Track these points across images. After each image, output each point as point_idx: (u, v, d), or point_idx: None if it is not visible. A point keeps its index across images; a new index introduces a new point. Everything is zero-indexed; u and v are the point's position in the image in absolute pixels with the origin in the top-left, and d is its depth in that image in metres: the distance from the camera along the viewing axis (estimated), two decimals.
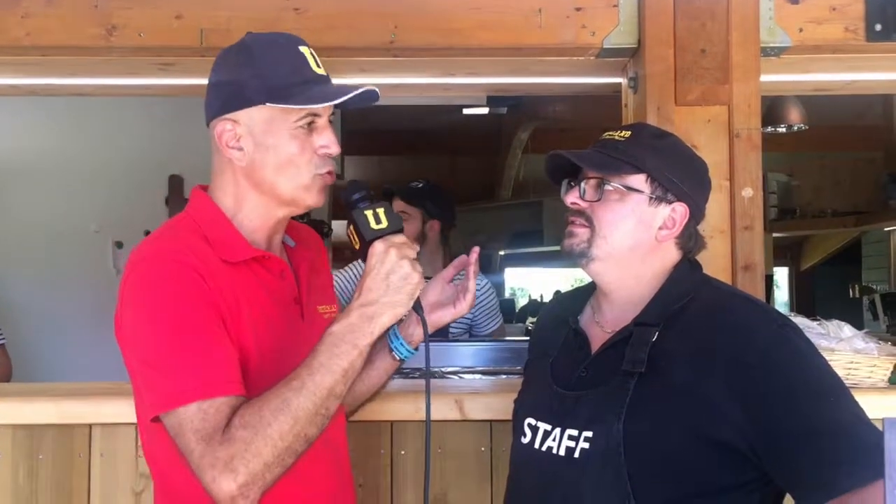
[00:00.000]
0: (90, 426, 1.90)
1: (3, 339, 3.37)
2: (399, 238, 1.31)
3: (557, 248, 1.46)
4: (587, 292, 1.53)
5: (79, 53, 2.38)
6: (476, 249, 1.54)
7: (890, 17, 2.30)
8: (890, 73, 2.68)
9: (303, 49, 1.38)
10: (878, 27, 2.30)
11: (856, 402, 1.24)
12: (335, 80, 1.40)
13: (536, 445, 1.38)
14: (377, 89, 1.38)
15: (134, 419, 1.80)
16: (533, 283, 11.82)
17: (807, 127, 5.71)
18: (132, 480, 1.89)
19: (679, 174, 1.41)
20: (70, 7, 2.30)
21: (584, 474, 1.29)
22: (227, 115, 1.36)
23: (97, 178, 4.85)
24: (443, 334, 2.86)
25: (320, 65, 1.39)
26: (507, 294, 10.48)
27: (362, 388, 1.59)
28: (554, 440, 1.35)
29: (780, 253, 8.97)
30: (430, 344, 1.40)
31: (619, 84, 2.58)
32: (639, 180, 1.39)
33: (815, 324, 1.96)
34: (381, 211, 1.33)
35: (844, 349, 1.90)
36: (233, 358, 1.27)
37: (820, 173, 7.39)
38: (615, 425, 1.28)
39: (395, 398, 1.85)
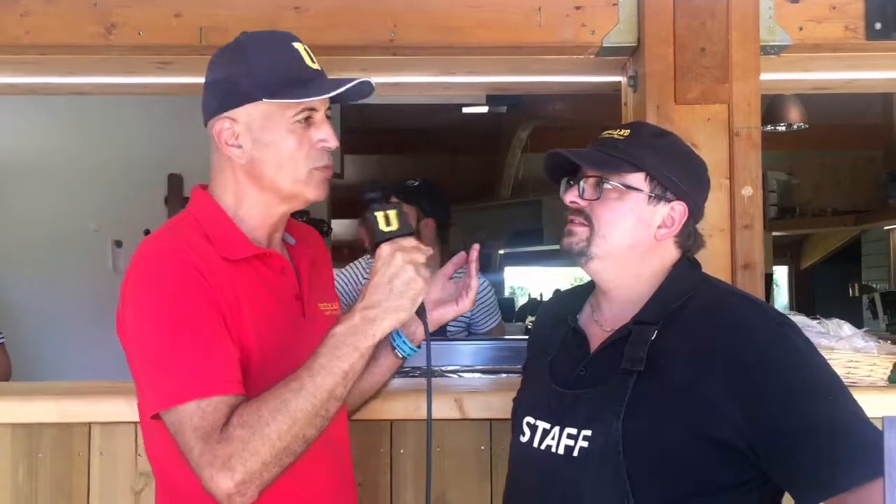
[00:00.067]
0: (89, 425, 1.90)
1: (3, 338, 3.37)
2: (408, 242, 1.30)
3: (557, 246, 1.46)
4: (586, 291, 1.53)
5: (78, 52, 2.37)
6: (476, 247, 1.54)
7: (890, 16, 2.30)
8: (890, 72, 2.68)
9: (296, 45, 1.39)
10: (878, 26, 2.30)
11: (854, 401, 1.24)
12: (334, 77, 1.41)
13: (535, 444, 1.38)
14: (371, 81, 1.38)
15: (133, 418, 1.80)
16: (532, 281, 11.82)
17: (807, 126, 5.71)
18: (132, 479, 1.89)
19: (678, 173, 1.41)
20: (69, 6, 2.30)
21: (583, 473, 1.29)
22: (225, 114, 1.37)
23: (96, 177, 4.85)
24: (441, 333, 2.86)
25: (314, 60, 1.40)
26: (506, 293, 10.49)
27: (365, 386, 1.60)
28: (553, 439, 1.35)
29: (780, 252, 8.97)
30: (431, 343, 1.40)
31: (619, 83, 2.58)
32: (638, 179, 1.39)
33: (814, 322, 1.96)
34: (392, 213, 1.32)
35: (844, 348, 1.90)
36: (233, 356, 1.28)
37: (820, 172, 7.39)
38: (614, 424, 1.28)
39: (394, 397, 1.85)
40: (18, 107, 4.62)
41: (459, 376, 2.58)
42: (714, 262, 2.21)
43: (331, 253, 1.67)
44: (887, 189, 6.52)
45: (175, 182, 4.94)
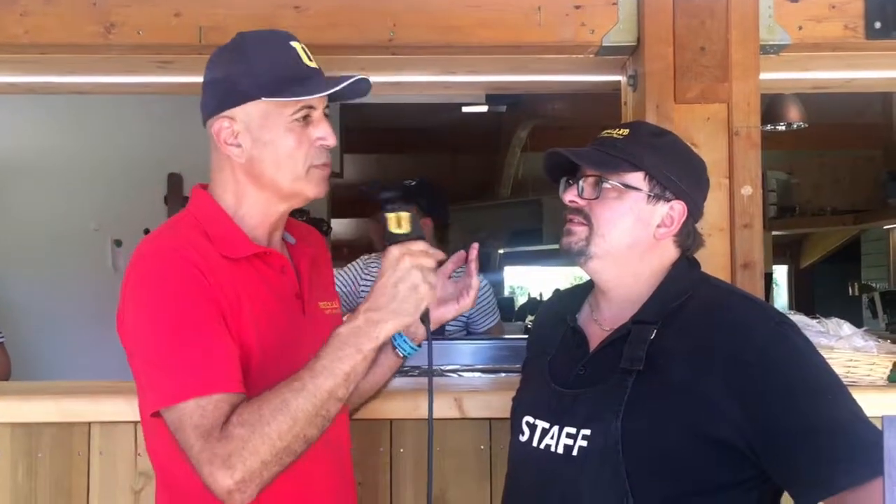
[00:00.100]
0: (89, 424, 1.90)
1: (3, 337, 3.37)
2: (418, 245, 1.28)
3: (557, 246, 1.46)
4: (585, 290, 1.53)
5: (77, 51, 2.37)
6: (475, 246, 1.54)
7: (889, 15, 2.30)
8: (889, 71, 2.68)
9: (293, 44, 1.39)
10: (878, 25, 2.30)
11: (853, 400, 1.24)
12: (331, 76, 1.41)
13: (535, 443, 1.38)
14: (369, 79, 1.38)
15: (133, 417, 1.81)
16: (532, 281, 11.82)
17: (806, 125, 5.71)
18: (131, 479, 1.89)
19: (677, 172, 1.41)
20: (68, 5, 2.30)
21: (583, 472, 1.29)
22: (224, 113, 1.37)
23: (96, 177, 4.85)
24: (439, 332, 2.87)
25: (312, 58, 1.40)
26: (506, 292, 10.48)
27: (366, 385, 1.60)
28: (552, 438, 1.35)
29: (780, 251, 8.97)
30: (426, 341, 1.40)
31: (619, 82, 2.58)
32: (637, 178, 1.39)
33: (814, 322, 1.96)
34: (405, 216, 1.30)
35: (844, 347, 1.90)
36: (232, 355, 1.28)
37: (819, 171, 7.39)
38: (613, 423, 1.28)
39: (394, 396, 1.85)
40: (18, 106, 4.63)
41: (459, 375, 2.58)
42: (714, 261, 2.21)
43: (330, 252, 1.67)
44: (887, 188, 6.52)
45: (175, 181, 4.95)
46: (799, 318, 1.93)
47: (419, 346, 1.56)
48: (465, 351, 2.89)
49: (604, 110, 2.99)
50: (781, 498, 1.33)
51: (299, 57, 1.38)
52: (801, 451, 1.19)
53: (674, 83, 2.29)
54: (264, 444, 1.19)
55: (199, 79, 1.43)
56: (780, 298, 9.56)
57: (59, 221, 4.83)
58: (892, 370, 1.94)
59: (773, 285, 8.71)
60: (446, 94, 3.76)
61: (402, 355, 1.57)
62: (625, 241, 1.39)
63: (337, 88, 1.35)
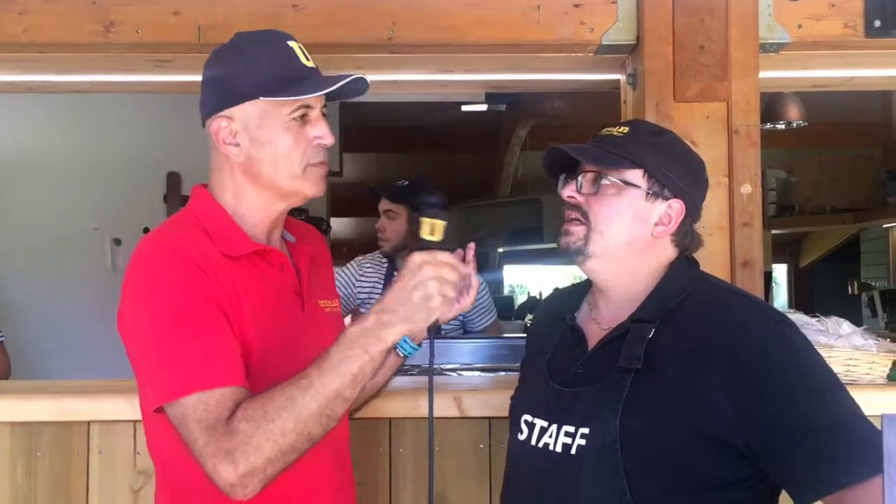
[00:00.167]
0: (88, 423, 1.90)
1: (2, 336, 3.37)
2: (444, 256, 1.25)
3: (556, 245, 1.46)
4: (584, 289, 1.53)
5: (76, 50, 2.37)
6: (471, 245, 1.54)
7: (889, 14, 2.30)
8: (889, 70, 2.68)
9: (291, 43, 1.39)
10: (878, 23, 2.30)
11: (851, 399, 1.24)
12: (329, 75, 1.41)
13: (533, 442, 1.38)
14: (366, 78, 1.39)
15: (132, 416, 1.81)
16: (532, 280, 11.82)
17: (805, 124, 5.72)
18: (130, 478, 1.89)
19: (676, 171, 1.41)
20: (67, 4, 2.29)
21: (581, 471, 1.29)
22: (222, 113, 1.38)
23: (95, 176, 4.85)
24: (437, 331, 2.87)
25: (309, 58, 1.41)
26: (506, 291, 10.48)
27: (368, 384, 1.60)
28: (550, 437, 1.35)
29: (779, 250, 8.97)
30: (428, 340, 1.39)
31: (618, 81, 2.58)
32: (636, 175, 1.39)
33: (813, 320, 1.96)
34: (439, 224, 1.28)
35: (843, 346, 1.90)
36: (234, 349, 1.28)
37: (819, 170, 7.39)
38: (611, 422, 1.28)
39: (393, 395, 1.85)
40: (17, 105, 4.62)
41: (459, 374, 2.58)
42: (713, 260, 2.21)
43: (329, 251, 1.67)
44: (886, 187, 6.52)
45: (174, 180, 4.95)
46: (798, 317, 1.93)
47: (419, 345, 1.56)
48: (465, 350, 2.89)
49: (603, 109, 3.00)
50: (779, 496, 1.33)
51: (297, 57, 1.38)
52: (799, 449, 1.19)
53: (673, 82, 2.29)
54: (268, 440, 1.19)
55: (198, 78, 1.43)
56: (780, 297, 9.57)
57: (58, 220, 4.83)
58: (891, 369, 1.94)
59: (773, 284, 8.71)
60: (445, 92, 3.76)
61: (402, 355, 1.57)
62: (623, 239, 1.39)
63: (333, 88, 1.35)
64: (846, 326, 1.96)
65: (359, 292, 3.25)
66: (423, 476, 1.92)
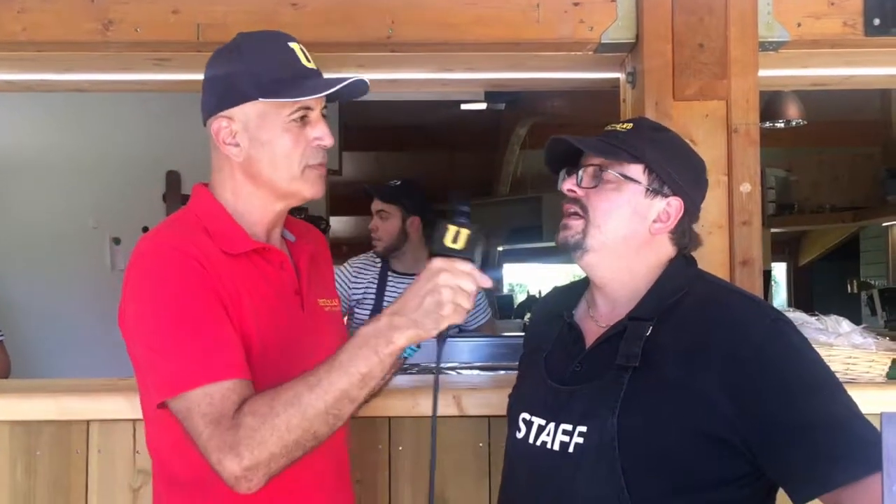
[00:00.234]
0: (88, 422, 1.90)
1: (2, 335, 3.37)
2: (464, 266, 1.23)
3: (555, 242, 1.46)
4: (582, 287, 1.54)
5: (75, 49, 2.37)
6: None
7: (888, 12, 2.30)
8: (888, 68, 2.68)
9: (292, 45, 1.40)
10: (877, 22, 2.30)
11: (849, 397, 1.24)
12: (329, 75, 1.42)
13: (531, 440, 1.38)
14: (366, 80, 1.39)
15: (131, 415, 1.81)
16: (532, 278, 11.82)
17: (805, 122, 5.71)
18: (130, 477, 1.89)
19: (677, 169, 1.41)
20: (66, 2, 2.29)
21: (579, 469, 1.29)
22: (223, 113, 1.38)
23: (94, 175, 4.84)
24: (444, 338, 2.87)
25: (310, 59, 1.41)
26: (505, 290, 10.47)
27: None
28: (548, 435, 1.35)
29: (779, 248, 8.97)
30: (430, 340, 1.38)
31: (618, 79, 2.58)
32: (636, 170, 1.39)
33: (813, 319, 1.96)
34: (464, 232, 1.25)
35: (843, 344, 1.90)
36: (236, 343, 1.29)
37: (818, 169, 7.39)
38: (609, 420, 1.28)
39: (393, 394, 1.85)
40: (16, 104, 4.62)
41: (458, 373, 2.58)
42: (712, 258, 2.21)
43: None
44: (885, 185, 6.52)
45: (173, 179, 4.94)
46: (798, 316, 1.93)
47: (418, 346, 1.56)
48: (464, 349, 2.89)
49: (603, 107, 2.99)
50: (776, 493, 1.33)
51: (298, 58, 1.39)
52: (797, 447, 1.19)
53: (672, 80, 2.29)
54: (273, 435, 1.19)
55: (198, 76, 1.43)
56: (779, 296, 9.57)
57: (57, 219, 4.82)
58: (890, 367, 1.94)
59: (772, 283, 8.72)
60: (445, 91, 3.76)
61: (403, 355, 1.57)
62: (620, 233, 1.39)
63: (333, 90, 1.36)
64: (845, 325, 1.97)
65: (353, 294, 3.26)
66: (422, 474, 1.92)
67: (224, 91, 1.38)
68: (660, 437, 1.26)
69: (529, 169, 8.67)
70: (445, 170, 8.96)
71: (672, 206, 1.41)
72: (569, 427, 1.33)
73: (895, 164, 6.64)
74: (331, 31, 2.30)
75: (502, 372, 2.55)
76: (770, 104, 5.51)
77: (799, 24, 2.32)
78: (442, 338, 1.26)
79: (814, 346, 1.33)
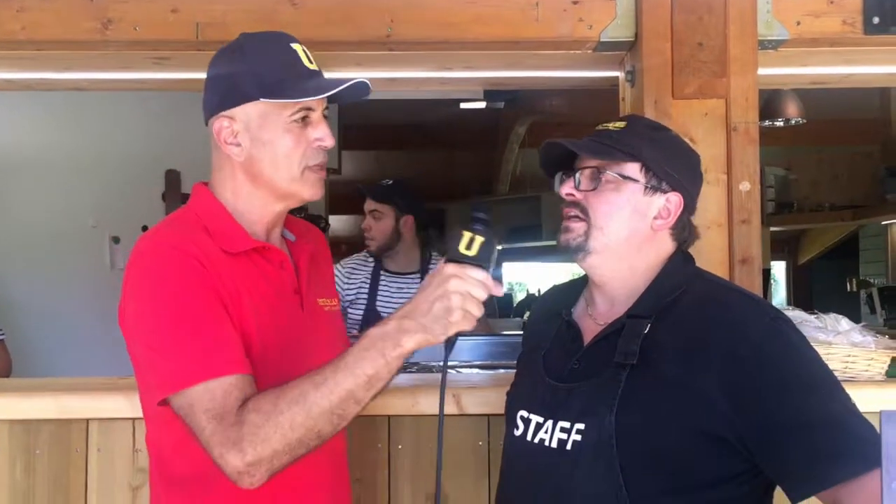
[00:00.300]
0: (87, 421, 1.90)
1: (3, 334, 3.37)
2: (476, 273, 1.21)
3: (555, 242, 1.46)
4: (581, 285, 1.54)
5: (74, 48, 2.37)
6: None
7: (888, 10, 2.30)
8: (887, 67, 2.68)
9: (294, 46, 1.40)
10: (876, 20, 2.30)
11: (847, 395, 1.24)
12: (330, 75, 1.42)
13: (529, 437, 1.38)
14: (368, 82, 1.39)
15: (131, 414, 1.81)
16: (531, 277, 11.83)
17: (804, 121, 5.71)
18: (129, 475, 1.89)
19: (674, 165, 1.41)
20: (65, 1, 2.29)
21: (576, 466, 1.30)
22: (224, 112, 1.39)
23: (94, 174, 4.84)
24: (452, 344, 2.87)
25: (312, 61, 1.42)
26: (504, 289, 10.47)
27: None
28: (546, 432, 1.35)
29: (778, 247, 8.98)
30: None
31: (617, 78, 2.57)
32: (633, 169, 1.39)
33: (812, 317, 1.96)
34: (478, 239, 1.24)
35: (842, 342, 1.90)
36: (237, 340, 1.29)
37: (817, 167, 7.39)
38: (607, 417, 1.28)
39: (392, 393, 1.85)
40: (15, 103, 4.61)
41: (458, 372, 2.59)
42: (712, 256, 2.21)
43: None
44: (885, 184, 6.53)
45: (173, 178, 4.93)
46: (797, 314, 1.93)
47: None
48: (464, 347, 2.89)
49: (602, 106, 2.99)
50: (773, 492, 1.33)
51: (300, 59, 1.39)
52: (795, 445, 1.19)
53: (672, 79, 2.29)
54: (276, 432, 1.20)
55: (197, 75, 1.44)
56: (779, 294, 9.58)
57: (57, 218, 4.82)
58: (889, 365, 1.94)
59: (772, 281, 8.72)
60: (444, 90, 3.75)
61: None
62: (622, 234, 1.39)
63: (334, 91, 1.36)
64: (845, 323, 1.97)
65: (346, 294, 3.26)
66: (421, 473, 1.92)
67: (226, 91, 1.38)
68: (658, 434, 1.26)
69: (529, 168, 8.67)
70: (445, 169, 8.95)
71: (672, 202, 1.41)
72: (567, 424, 1.33)
73: (894, 162, 6.64)
74: (330, 30, 2.30)
75: (502, 371, 2.55)
76: (769, 103, 5.51)
77: (798, 23, 2.32)
78: (450, 343, 1.25)
79: (813, 344, 1.33)
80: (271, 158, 1.38)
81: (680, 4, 2.28)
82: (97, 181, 4.84)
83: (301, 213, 4.32)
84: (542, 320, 1.57)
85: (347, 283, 3.26)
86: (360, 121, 6.63)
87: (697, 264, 1.48)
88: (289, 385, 1.23)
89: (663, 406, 1.27)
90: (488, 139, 8.84)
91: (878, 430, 0.85)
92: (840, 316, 1.99)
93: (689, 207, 1.44)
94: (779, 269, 9.81)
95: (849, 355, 1.90)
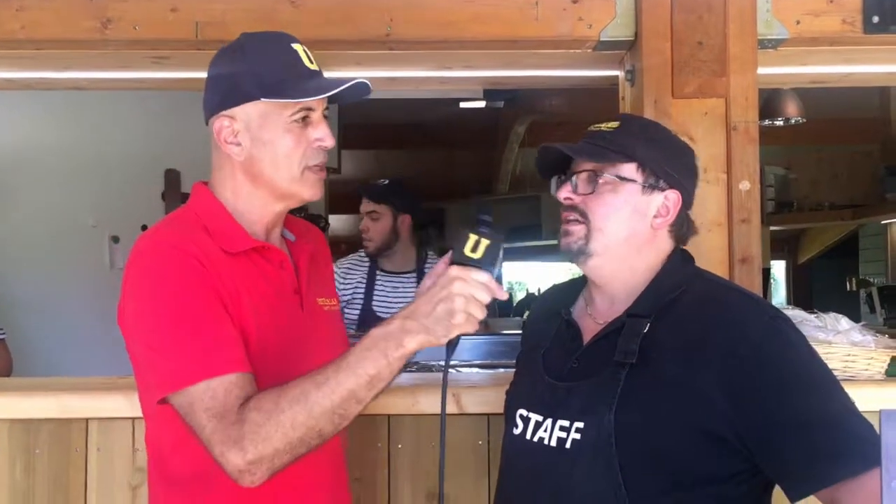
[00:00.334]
0: (87, 421, 1.90)
1: (3, 333, 3.38)
2: (480, 276, 1.22)
3: (555, 241, 1.46)
4: (580, 284, 1.54)
5: (74, 47, 2.37)
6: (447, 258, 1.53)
7: (887, 9, 2.30)
8: (887, 66, 2.68)
9: (295, 46, 1.40)
10: (876, 19, 2.30)
11: (846, 394, 1.24)
12: (330, 75, 1.42)
13: (528, 436, 1.38)
14: (368, 82, 1.39)
15: (131, 413, 1.81)
16: (531, 277, 11.83)
17: (804, 120, 5.71)
18: (129, 475, 1.89)
19: (669, 162, 1.41)
20: (65, 0, 2.29)
21: (576, 465, 1.30)
22: (225, 112, 1.39)
23: (93, 173, 4.84)
24: (454, 346, 2.87)
25: (313, 61, 1.42)
26: (504, 288, 10.47)
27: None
28: (545, 431, 1.35)
29: (778, 246, 8.98)
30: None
31: (616, 77, 2.57)
32: (630, 169, 1.39)
33: (812, 317, 1.96)
34: (483, 242, 1.24)
35: (842, 342, 1.90)
36: (237, 339, 1.29)
37: (817, 166, 7.39)
38: (606, 416, 1.28)
39: (392, 392, 1.84)
40: (14, 102, 4.61)
41: (458, 371, 2.59)
42: (711, 256, 2.21)
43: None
44: (884, 183, 6.52)
45: (172, 178, 4.93)
46: (797, 313, 1.93)
47: None
48: (464, 347, 2.88)
49: (602, 105, 2.98)
50: (772, 490, 1.33)
51: (300, 59, 1.39)
52: (794, 445, 1.19)
53: (671, 78, 2.29)
54: (277, 431, 1.20)
55: (196, 74, 1.44)
56: (778, 294, 9.58)
57: (56, 218, 4.82)
58: (889, 364, 1.94)
59: (771, 281, 8.72)
60: (443, 89, 3.75)
61: None
62: (622, 234, 1.40)
63: (334, 92, 1.36)
64: (844, 322, 1.97)
65: (342, 295, 3.26)
66: (421, 472, 1.92)
67: (227, 90, 1.38)
68: (657, 433, 1.26)
69: (528, 167, 8.65)
70: (444, 168, 8.95)
71: (670, 200, 1.41)
72: (566, 423, 1.33)
73: (894, 161, 6.64)
74: (329, 29, 2.30)
75: (502, 370, 2.55)
76: (769, 102, 5.51)
77: (798, 22, 2.32)
78: (452, 345, 1.26)
79: (813, 343, 1.33)
80: (271, 158, 1.38)
81: (679, 4, 2.28)
82: (97, 180, 4.84)
83: (301, 213, 4.32)
84: (541, 319, 1.57)
85: (343, 284, 3.27)
86: (359, 120, 6.63)
87: (697, 264, 1.48)
88: (290, 384, 1.23)
89: (662, 405, 1.27)
90: (488, 138, 8.83)
91: (876, 429, 0.85)
92: (840, 315, 2.00)
93: (687, 203, 1.44)
94: (778, 268, 9.81)
95: (848, 354, 1.90)
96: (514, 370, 1.60)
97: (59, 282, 4.75)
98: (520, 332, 1.73)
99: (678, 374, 1.27)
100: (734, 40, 2.28)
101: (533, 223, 8.33)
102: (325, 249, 1.61)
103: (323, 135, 1.39)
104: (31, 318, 4.53)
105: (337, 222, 7.90)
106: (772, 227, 7.38)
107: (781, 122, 5.74)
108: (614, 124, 1.43)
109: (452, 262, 1.24)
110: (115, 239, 4.84)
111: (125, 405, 1.84)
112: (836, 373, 1.30)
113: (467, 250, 1.24)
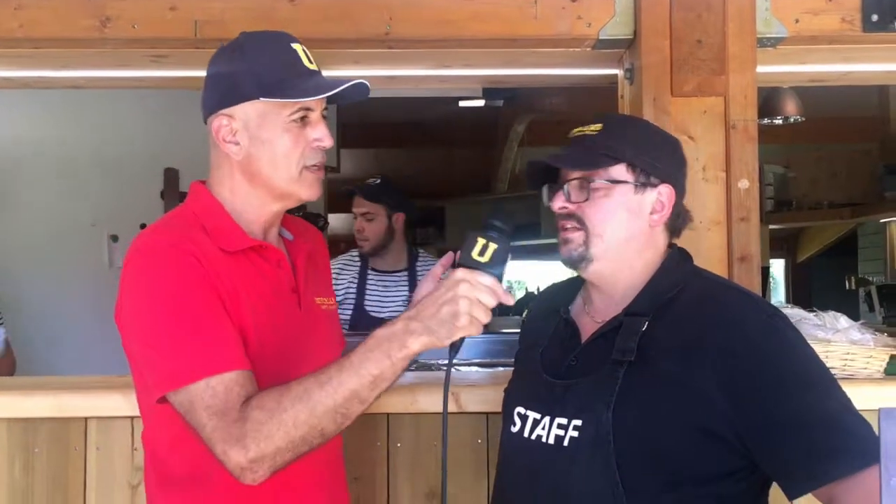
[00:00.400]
0: (86, 420, 1.90)
1: (7, 333, 3.38)
2: (486, 279, 1.21)
3: (554, 240, 1.46)
4: (579, 283, 1.54)
5: (72, 45, 2.37)
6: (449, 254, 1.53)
7: (886, 8, 2.30)
8: (886, 64, 2.68)
9: (295, 46, 1.40)
10: (875, 17, 2.30)
11: (843, 392, 1.25)
12: (328, 73, 1.42)
13: (526, 434, 1.38)
14: (367, 83, 1.39)
15: (130, 412, 1.81)
16: (530, 275, 11.82)
17: (803, 119, 5.71)
18: (128, 474, 1.89)
19: (657, 156, 1.42)
20: None
21: (573, 463, 1.30)
22: (223, 111, 1.39)
23: (92, 172, 4.83)
24: (457, 348, 2.87)
25: (312, 61, 1.42)
26: (504, 287, 10.46)
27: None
28: (543, 429, 1.35)
29: (777, 245, 8.97)
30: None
31: (616, 75, 2.57)
32: (620, 171, 1.40)
33: (811, 315, 1.96)
34: (491, 246, 1.24)
35: (841, 340, 1.90)
36: (235, 337, 1.29)
37: (816, 165, 7.39)
38: (604, 414, 1.28)
39: (391, 391, 1.83)
40: (13, 101, 4.60)
41: (457, 370, 2.58)
42: (710, 254, 2.21)
43: (327, 247, 1.67)
44: (883, 182, 6.52)
45: (171, 176, 4.92)
46: (796, 312, 1.93)
47: None
48: (463, 345, 2.88)
49: (601, 104, 2.99)
50: (770, 488, 1.33)
51: (300, 59, 1.39)
52: (792, 443, 1.20)
53: (670, 76, 2.29)
54: (279, 429, 1.20)
55: (195, 73, 1.44)
56: (777, 292, 9.58)
57: (55, 217, 4.81)
58: (888, 363, 1.94)
59: (770, 279, 8.72)
60: (442, 88, 3.75)
61: None
62: (622, 236, 1.40)
63: (333, 92, 1.36)
64: (844, 321, 1.97)
65: (337, 293, 3.26)
66: (420, 471, 1.92)
67: (225, 89, 1.38)
68: (655, 431, 1.26)
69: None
70: (444, 167, 8.95)
71: (663, 194, 1.41)
72: (564, 421, 1.33)
73: (893, 160, 6.64)
74: (328, 28, 2.30)
75: (500, 368, 2.55)
76: (768, 100, 5.50)
77: (797, 21, 2.32)
78: (455, 347, 1.26)
79: (812, 342, 1.34)
80: (270, 158, 1.38)
81: (679, 2, 2.28)
82: (95, 179, 4.83)
83: (300, 212, 4.32)
84: (539, 318, 1.57)
85: (335, 283, 3.26)
86: (358, 119, 6.63)
87: (696, 262, 1.48)
88: (293, 383, 1.23)
89: (660, 403, 1.27)
90: (487, 137, 8.83)
91: (874, 427, 0.85)
92: (839, 314, 2.00)
93: (680, 194, 1.44)
94: (777, 267, 9.81)
95: (848, 353, 1.90)
96: (512, 369, 1.60)
97: (58, 280, 4.75)
98: (518, 330, 1.73)
99: (676, 373, 1.27)
100: (733, 39, 2.28)
101: (532, 222, 8.32)
102: (323, 249, 1.61)
103: (321, 135, 1.39)
104: (29, 316, 4.52)
105: (336, 221, 7.90)
106: (771, 226, 7.38)
107: (780, 121, 5.73)
108: (597, 126, 1.43)
109: (459, 265, 1.23)
110: (114, 238, 4.83)
111: (124, 404, 1.83)
112: (835, 371, 1.31)
113: (475, 254, 1.24)
